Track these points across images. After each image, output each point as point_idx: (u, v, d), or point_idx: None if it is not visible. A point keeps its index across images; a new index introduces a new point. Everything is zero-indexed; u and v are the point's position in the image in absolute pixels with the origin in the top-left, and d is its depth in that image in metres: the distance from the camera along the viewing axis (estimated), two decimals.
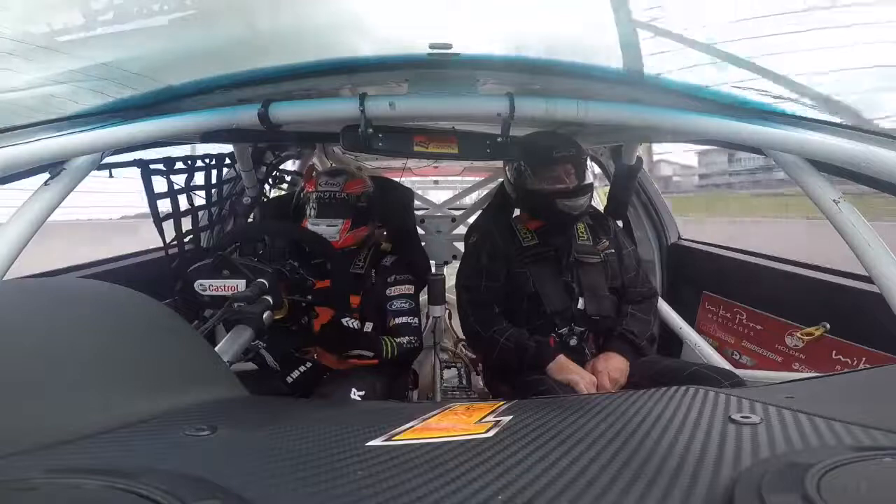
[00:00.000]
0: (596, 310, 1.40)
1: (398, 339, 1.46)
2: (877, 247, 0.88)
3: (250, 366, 1.35)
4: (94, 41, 0.83)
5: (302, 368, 1.44)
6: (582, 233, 1.49)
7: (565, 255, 1.43)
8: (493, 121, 1.10)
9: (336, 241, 1.47)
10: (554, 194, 1.39)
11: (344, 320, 1.39)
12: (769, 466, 0.33)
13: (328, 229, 1.48)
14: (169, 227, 1.52)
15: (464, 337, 2.10)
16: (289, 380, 1.40)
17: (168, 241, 1.50)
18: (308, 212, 1.55)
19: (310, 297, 1.19)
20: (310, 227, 1.50)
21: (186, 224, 1.60)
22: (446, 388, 2.06)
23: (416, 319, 1.53)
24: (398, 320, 1.51)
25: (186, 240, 1.56)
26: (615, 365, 1.31)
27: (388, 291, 1.53)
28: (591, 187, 1.42)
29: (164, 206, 1.53)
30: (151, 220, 1.45)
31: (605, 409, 0.52)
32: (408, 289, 1.56)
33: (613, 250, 1.49)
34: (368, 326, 1.50)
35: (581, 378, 1.25)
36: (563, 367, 1.28)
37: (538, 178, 1.41)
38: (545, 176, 1.40)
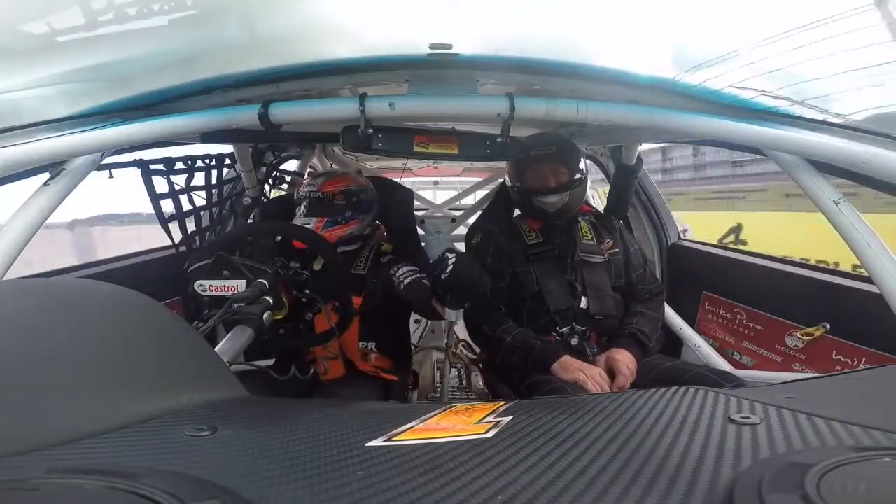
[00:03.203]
0: (599, 309, 1.40)
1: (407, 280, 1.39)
2: (877, 247, 0.88)
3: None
4: (94, 41, 0.83)
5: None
6: (586, 232, 1.49)
7: (569, 254, 1.44)
8: (493, 121, 1.10)
9: None
10: (530, 191, 1.44)
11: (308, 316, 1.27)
12: (769, 466, 0.33)
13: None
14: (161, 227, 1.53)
15: (464, 337, 2.10)
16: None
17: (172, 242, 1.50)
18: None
19: (307, 292, 1.19)
20: None
21: (187, 224, 1.61)
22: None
23: (425, 281, 1.43)
24: (408, 279, 1.41)
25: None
26: (629, 357, 1.32)
27: (395, 278, 1.46)
28: (569, 185, 1.41)
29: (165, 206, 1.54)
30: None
31: (605, 409, 0.52)
32: (415, 269, 1.51)
33: (618, 250, 1.50)
34: (370, 346, 1.51)
35: (588, 376, 1.24)
36: (569, 367, 1.28)
37: (520, 176, 1.48)
38: (524, 173, 1.46)
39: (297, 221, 1.53)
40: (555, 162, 1.42)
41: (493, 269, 1.45)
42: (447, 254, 1.18)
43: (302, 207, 1.56)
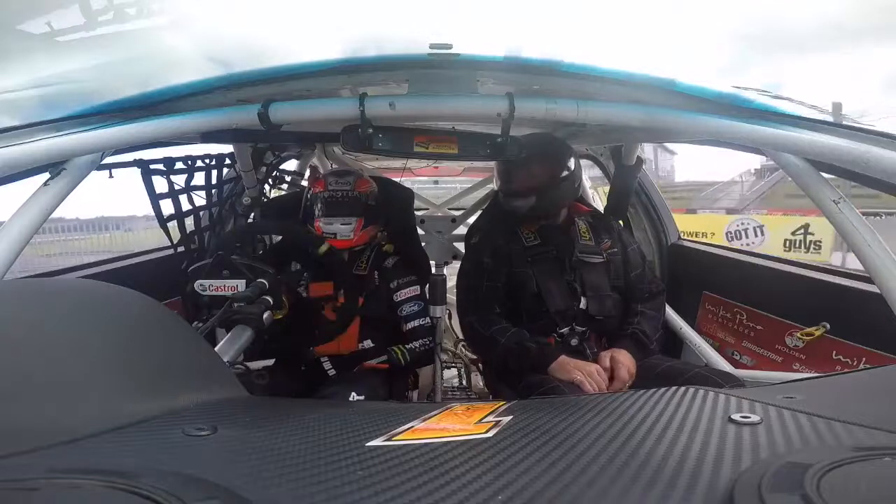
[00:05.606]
0: (599, 310, 1.40)
1: (409, 345, 1.49)
2: (877, 247, 0.88)
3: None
4: (94, 41, 0.83)
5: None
6: (584, 233, 1.49)
7: (568, 255, 1.43)
8: (493, 121, 1.09)
9: (350, 240, 1.48)
10: (502, 193, 1.48)
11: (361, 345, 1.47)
12: (769, 466, 0.33)
13: (343, 227, 1.48)
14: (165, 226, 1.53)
15: (463, 337, 2.10)
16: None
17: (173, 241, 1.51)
18: (317, 212, 1.54)
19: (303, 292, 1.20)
20: (322, 226, 1.49)
21: (187, 224, 1.61)
22: (446, 388, 2.06)
23: (427, 320, 1.56)
24: (410, 325, 1.54)
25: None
26: (629, 358, 1.32)
27: (395, 297, 1.55)
28: (535, 189, 1.40)
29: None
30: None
31: (604, 409, 0.52)
32: (414, 290, 1.58)
33: (617, 249, 1.50)
34: (367, 344, 1.51)
35: (585, 375, 1.24)
36: (566, 367, 1.27)
37: (497, 179, 1.52)
38: (499, 176, 1.51)
39: (328, 221, 1.50)
40: (525, 164, 1.39)
41: (490, 269, 1.45)
42: None
43: (324, 206, 1.52)
